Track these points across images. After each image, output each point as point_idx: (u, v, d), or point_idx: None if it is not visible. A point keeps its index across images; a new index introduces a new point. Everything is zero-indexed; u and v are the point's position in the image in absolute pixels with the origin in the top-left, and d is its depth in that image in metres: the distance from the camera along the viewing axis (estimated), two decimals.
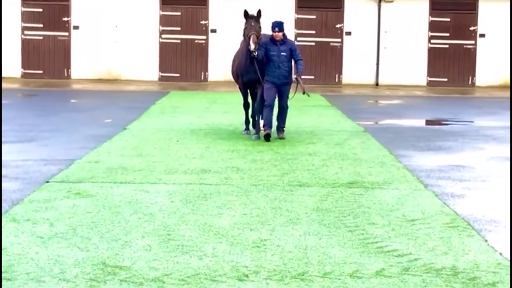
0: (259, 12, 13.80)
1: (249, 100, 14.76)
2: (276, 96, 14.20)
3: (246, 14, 13.79)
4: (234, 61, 15.08)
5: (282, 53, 13.87)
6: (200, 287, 6.09)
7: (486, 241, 7.64)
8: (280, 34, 13.85)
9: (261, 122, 14.23)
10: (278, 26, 13.84)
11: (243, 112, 14.95)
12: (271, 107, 14.06)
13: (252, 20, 13.69)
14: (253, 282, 6.23)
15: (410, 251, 7.21)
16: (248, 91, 14.68)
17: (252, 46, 13.39)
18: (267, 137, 13.81)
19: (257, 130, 14.32)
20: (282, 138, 14.10)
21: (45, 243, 7.24)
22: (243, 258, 6.88)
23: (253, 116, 14.70)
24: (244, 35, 13.93)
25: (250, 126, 14.80)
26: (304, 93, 14.06)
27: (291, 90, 14.28)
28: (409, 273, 6.54)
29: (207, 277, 6.33)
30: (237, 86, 15.11)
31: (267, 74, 13.93)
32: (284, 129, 14.38)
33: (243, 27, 13.89)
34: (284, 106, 14.22)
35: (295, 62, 14.09)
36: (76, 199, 9.13)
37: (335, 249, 7.23)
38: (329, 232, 7.83)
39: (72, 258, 6.77)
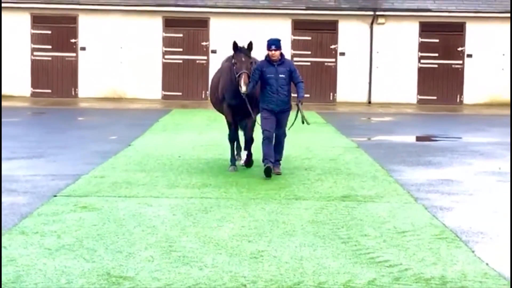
0: (250, 44, 11.56)
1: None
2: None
3: (235, 46, 11.52)
4: (213, 82, 12.76)
5: (281, 75, 11.44)
6: None
7: (473, 252, 7.64)
8: (277, 53, 11.47)
9: (243, 154, 12.58)
10: (274, 43, 11.49)
11: (228, 145, 12.49)
12: (270, 138, 11.64)
13: (242, 54, 11.40)
14: None
15: (401, 261, 7.21)
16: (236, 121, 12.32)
17: (243, 89, 11.14)
18: (268, 172, 11.45)
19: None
20: (278, 174, 11.75)
21: (53, 255, 7.24)
22: (242, 269, 6.87)
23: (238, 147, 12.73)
24: (233, 70, 11.53)
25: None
26: (303, 122, 11.73)
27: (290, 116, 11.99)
28: (400, 283, 6.53)
29: (207, 287, 6.33)
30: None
31: (263, 101, 11.58)
32: (281, 162, 12.05)
33: (232, 59, 11.64)
34: (281, 136, 11.81)
35: (295, 85, 11.60)
36: (82, 213, 9.13)
37: (329, 259, 7.22)
38: (323, 244, 7.83)
39: (79, 269, 6.77)
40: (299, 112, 11.65)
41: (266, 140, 11.57)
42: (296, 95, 11.59)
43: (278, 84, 11.44)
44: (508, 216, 9.52)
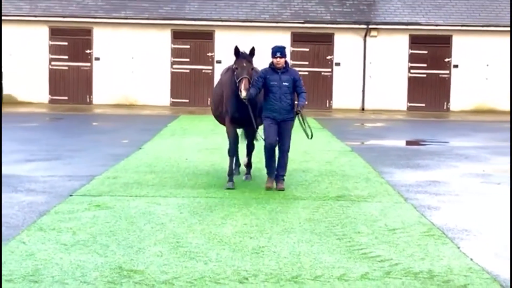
0: (252, 50, 10.63)
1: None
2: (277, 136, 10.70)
3: (237, 51, 10.54)
4: (215, 95, 11.74)
5: (284, 83, 10.46)
6: None
7: (458, 248, 7.64)
8: (282, 60, 10.47)
9: (244, 160, 11.70)
10: (279, 51, 10.46)
11: (227, 161, 11.35)
12: (273, 148, 10.66)
13: (244, 60, 10.46)
14: (252, 284, 6.23)
15: (391, 256, 7.21)
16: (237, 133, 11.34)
17: (243, 94, 10.17)
18: (269, 189, 10.69)
19: (248, 172, 11.59)
20: (281, 189, 10.62)
21: (68, 250, 7.25)
22: (244, 263, 6.87)
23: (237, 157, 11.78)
24: (235, 76, 10.54)
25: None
26: (307, 135, 10.87)
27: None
28: (390, 277, 6.54)
29: (212, 280, 6.33)
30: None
31: (265, 109, 10.60)
32: (285, 177, 10.87)
33: (233, 64, 10.69)
34: (285, 149, 10.71)
35: (298, 94, 10.69)
36: (96, 211, 9.14)
37: (325, 255, 7.23)
38: (319, 240, 7.83)
39: (92, 263, 6.78)
40: (303, 121, 10.74)
41: (268, 149, 10.65)
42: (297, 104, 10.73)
43: (281, 92, 10.46)
44: (492, 215, 9.53)
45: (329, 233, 8.17)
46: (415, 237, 8.03)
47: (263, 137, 10.74)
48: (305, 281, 6.36)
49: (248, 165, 11.68)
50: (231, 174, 11.05)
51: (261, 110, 10.82)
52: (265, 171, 11.08)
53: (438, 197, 10.62)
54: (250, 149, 11.56)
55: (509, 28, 28.86)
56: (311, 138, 10.94)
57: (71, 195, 10.18)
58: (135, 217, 8.79)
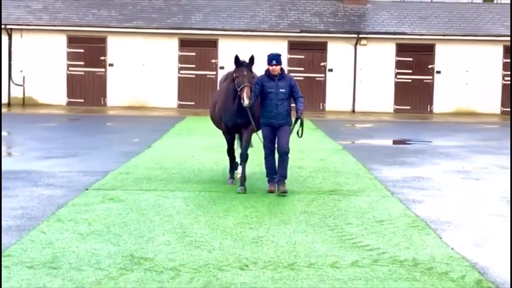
0: (251, 58, 9.95)
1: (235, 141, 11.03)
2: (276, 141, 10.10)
3: (237, 60, 9.90)
4: (214, 101, 11.06)
5: (281, 90, 9.80)
6: (209, 275, 6.08)
7: (440, 238, 7.65)
8: (278, 68, 9.83)
9: (239, 169, 10.55)
10: (275, 58, 9.81)
11: (227, 159, 11.09)
12: (273, 155, 10.07)
13: (244, 68, 9.82)
14: (252, 271, 6.23)
15: (379, 246, 7.21)
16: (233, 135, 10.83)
17: (246, 102, 9.54)
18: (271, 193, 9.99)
19: (242, 181, 10.24)
20: (284, 192, 9.87)
21: (84, 239, 7.25)
22: (244, 251, 6.87)
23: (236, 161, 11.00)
24: (235, 84, 9.89)
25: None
26: (297, 133, 10.00)
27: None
28: (378, 264, 6.54)
29: (215, 267, 6.33)
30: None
31: (262, 115, 9.93)
32: (286, 180, 10.10)
33: (233, 73, 10.02)
34: (284, 152, 9.93)
35: (295, 100, 9.95)
36: (109, 203, 9.14)
37: (318, 244, 7.23)
38: (313, 231, 7.83)
39: (106, 251, 6.78)
40: (298, 123, 9.90)
41: (268, 157, 10.03)
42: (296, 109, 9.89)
43: (278, 99, 9.79)
44: (471, 208, 9.53)
45: (322, 224, 8.17)
46: (400, 228, 8.04)
47: (262, 140, 10.06)
48: (301, 268, 6.36)
49: (243, 177, 10.25)
50: (231, 172, 10.87)
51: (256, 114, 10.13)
52: (260, 168, 10.95)
53: (422, 192, 10.62)
54: (244, 157, 10.35)
55: (486, 38, 28.95)
56: (301, 137, 10.05)
57: (86, 189, 10.18)
58: (145, 209, 8.79)
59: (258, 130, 10.28)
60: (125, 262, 6.41)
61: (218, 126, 11.03)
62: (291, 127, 10.00)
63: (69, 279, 5.89)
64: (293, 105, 10.08)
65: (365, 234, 7.71)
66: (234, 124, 10.32)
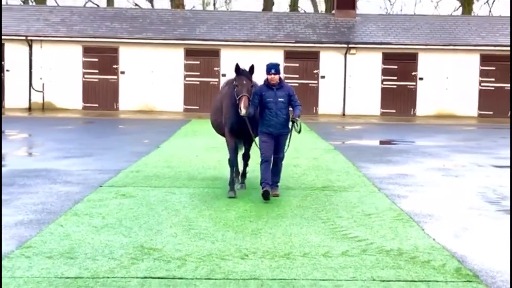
0: (251, 68, 9.22)
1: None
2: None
3: (237, 69, 9.14)
4: (214, 107, 10.12)
5: (280, 99, 9.10)
6: (213, 264, 6.09)
7: (423, 230, 7.65)
8: (277, 77, 9.12)
9: (241, 178, 10.12)
10: (274, 68, 9.11)
11: (228, 170, 9.99)
12: (269, 162, 9.25)
13: (243, 77, 9.05)
14: (251, 260, 6.23)
15: (367, 237, 7.22)
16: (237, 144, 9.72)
17: (243, 111, 8.76)
18: (266, 195, 9.07)
19: (242, 178, 10.04)
20: (276, 196, 9.24)
21: (99, 231, 7.26)
22: (244, 242, 6.88)
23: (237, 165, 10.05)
24: (235, 93, 9.12)
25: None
26: (298, 131, 9.29)
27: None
28: (366, 254, 6.54)
29: (218, 256, 6.33)
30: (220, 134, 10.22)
31: (262, 124, 9.17)
32: (279, 184, 9.53)
33: (233, 81, 9.25)
34: (279, 157, 9.34)
35: (293, 108, 9.29)
36: (122, 199, 9.14)
37: (312, 235, 7.23)
38: (307, 223, 7.83)
39: (118, 243, 6.78)
40: (295, 125, 9.27)
41: (264, 163, 9.20)
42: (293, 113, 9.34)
43: (277, 108, 9.07)
44: (451, 202, 9.53)
45: (315, 217, 8.17)
46: (387, 221, 8.04)
47: (259, 148, 9.29)
48: (296, 257, 6.37)
49: (243, 175, 10.09)
50: (232, 183, 9.56)
51: (257, 122, 9.35)
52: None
53: (406, 188, 10.62)
54: (246, 158, 10.05)
55: (464, 47, 28.97)
56: (299, 132, 9.34)
57: (100, 186, 10.18)
58: (154, 204, 8.79)
59: (256, 137, 9.57)
60: (136, 252, 6.41)
61: (219, 132, 10.11)
62: (290, 133, 9.30)
63: (85, 268, 5.89)
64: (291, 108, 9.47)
65: (354, 226, 7.71)
66: (238, 129, 9.34)
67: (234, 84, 9.16)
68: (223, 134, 9.92)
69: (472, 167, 13.27)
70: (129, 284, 5.49)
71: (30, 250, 6.42)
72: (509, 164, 13.89)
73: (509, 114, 29.14)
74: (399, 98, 29.36)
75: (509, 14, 33.89)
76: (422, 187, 10.82)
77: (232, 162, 9.67)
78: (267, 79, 9.22)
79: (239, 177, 10.21)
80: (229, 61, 27.65)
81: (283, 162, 9.62)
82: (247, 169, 10.27)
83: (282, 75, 27.46)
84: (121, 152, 14.81)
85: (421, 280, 5.75)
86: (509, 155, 15.35)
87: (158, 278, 5.66)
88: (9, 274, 5.69)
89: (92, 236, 7.02)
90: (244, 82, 8.99)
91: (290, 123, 9.28)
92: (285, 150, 9.35)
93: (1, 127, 16.88)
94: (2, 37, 28.20)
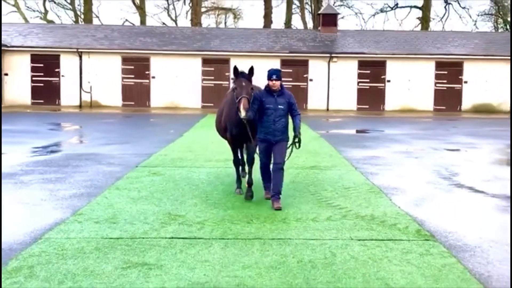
0: (251, 69, 7.32)
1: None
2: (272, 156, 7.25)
3: (236, 71, 7.23)
4: (219, 112, 8.06)
5: (280, 106, 7.08)
6: (225, 227, 6.09)
7: (390, 200, 7.64)
8: (278, 83, 7.08)
9: (247, 177, 7.90)
10: (275, 73, 7.07)
11: (233, 169, 8.62)
12: (267, 168, 7.39)
13: (243, 79, 7.14)
14: (256, 224, 6.23)
15: (347, 206, 7.21)
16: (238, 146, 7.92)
17: (243, 114, 6.82)
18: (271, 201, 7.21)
19: (249, 184, 7.64)
20: (279, 209, 6.95)
21: (135, 202, 7.26)
22: (250, 210, 6.87)
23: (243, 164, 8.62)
24: (234, 95, 7.23)
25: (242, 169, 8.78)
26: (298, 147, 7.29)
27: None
28: (346, 219, 6.54)
29: (229, 221, 6.34)
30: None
31: (260, 131, 7.17)
32: (280, 196, 7.17)
33: (232, 84, 7.58)
34: (280, 168, 7.06)
35: (293, 117, 7.16)
36: (153, 177, 9.13)
37: (303, 204, 7.23)
38: (299, 195, 7.82)
39: (151, 211, 6.79)
40: (295, 141, 7.21)
41: (263, 169, 7.42)
42: (293, 127, 7.21)
43: (276, 115, 7.07)
44: (412, 179, 9.51)
45: (305, 190, 8.17)
46: (362, 193, 8.04)
47: (258, 154, 7.42)
48: (290, 221, 6.37)
49: (250, 183, 7.67)
50: (238, 181, 8.04)
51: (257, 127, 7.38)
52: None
53: (377, 167, 10.60)
54: (250, 163, 7.76)
55: (423, 56, 28.83)
56: (298, 148, 7.39)
57: (136, 166, 10.17)
58: (178, 181, 8.79)
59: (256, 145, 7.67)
60: (164, 218, 6.42)
61: (223, 136, 8.10)
62: (288, 144, 7.27)
63: (125, 231, 5.90)
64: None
65: (336, 197, 7.71)
66: (238, 134, 7.51)
67: (233, 87, 7.35)
68: (226, 138, 8.05)
69: (429, 151, 13.24)
70: (160, 243, 5.50)
71: (82, 217, 6.43)
72: (459, 148, 13.85)
73: (458, 108, 29.14)
74: (371, 96, 29.26)
75: (458, 29, 33.60)
76: (390, 166, 10.80)
77: (236, 162, 8.06)
78: (268, 85, 7.22)
79: (245, 170, 8.70)
80: (237, 67, 27.54)
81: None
82: (252, 177, 7.77)
83: None
84: (152, 139, 14.80)
85: (389, 239, 5.74)
86: (459, 141, 15.31)
87: (183, 238, 5.66)
88: (65, 236, 5.70)
89: (130, 206, 7.03)
90: (243, 84, 7.11)
91: (291, 139, 7.24)
92: (286, 159, 7.20)
93: (1, 126, 16.70)
94: (59, 49, 28.17)
